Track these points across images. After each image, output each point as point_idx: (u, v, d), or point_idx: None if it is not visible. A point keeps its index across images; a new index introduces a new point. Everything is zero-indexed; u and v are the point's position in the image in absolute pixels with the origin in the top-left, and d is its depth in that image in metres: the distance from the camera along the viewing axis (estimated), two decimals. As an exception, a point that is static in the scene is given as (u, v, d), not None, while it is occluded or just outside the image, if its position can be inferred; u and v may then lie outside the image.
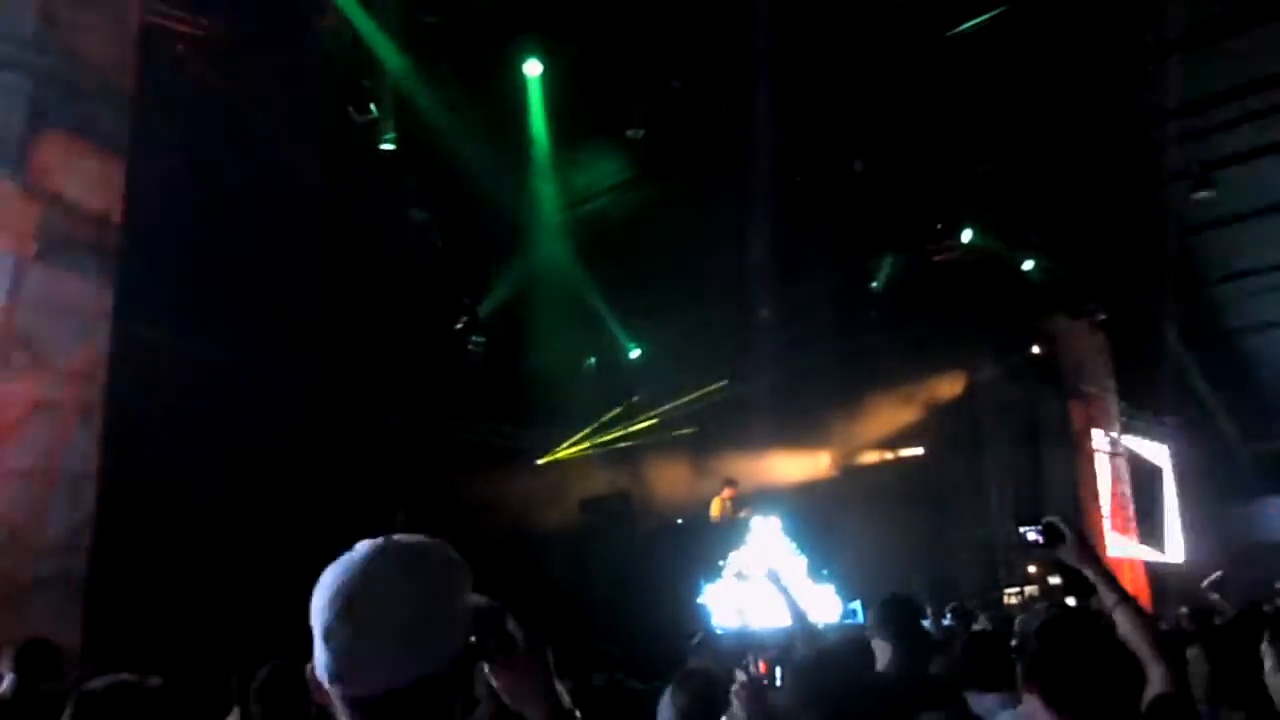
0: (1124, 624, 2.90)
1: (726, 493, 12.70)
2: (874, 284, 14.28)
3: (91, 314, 7.09)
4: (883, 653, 4.01)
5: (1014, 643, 3.31)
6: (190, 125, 8.35)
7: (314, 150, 9.41)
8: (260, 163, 8.78)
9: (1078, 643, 2.53)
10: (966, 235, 13.10)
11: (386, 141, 9.73)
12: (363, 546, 1.44)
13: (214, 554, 8.24)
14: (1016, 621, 5.57)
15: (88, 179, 7.22)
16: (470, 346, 12.57)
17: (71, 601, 6.64)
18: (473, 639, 1.43)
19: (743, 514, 12.28)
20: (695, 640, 7.34)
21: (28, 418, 6.67)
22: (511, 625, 1.52)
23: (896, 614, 4.10)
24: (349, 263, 10.10)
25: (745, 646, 8.50)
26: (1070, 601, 11.59)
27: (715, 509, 12.63)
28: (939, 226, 12.98)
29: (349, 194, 10.18)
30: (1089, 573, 3.12)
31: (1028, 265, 13.91)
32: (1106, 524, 15.18)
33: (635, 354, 14.40)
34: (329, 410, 10.14)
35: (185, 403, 8.50)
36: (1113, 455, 15.22)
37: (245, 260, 8.73)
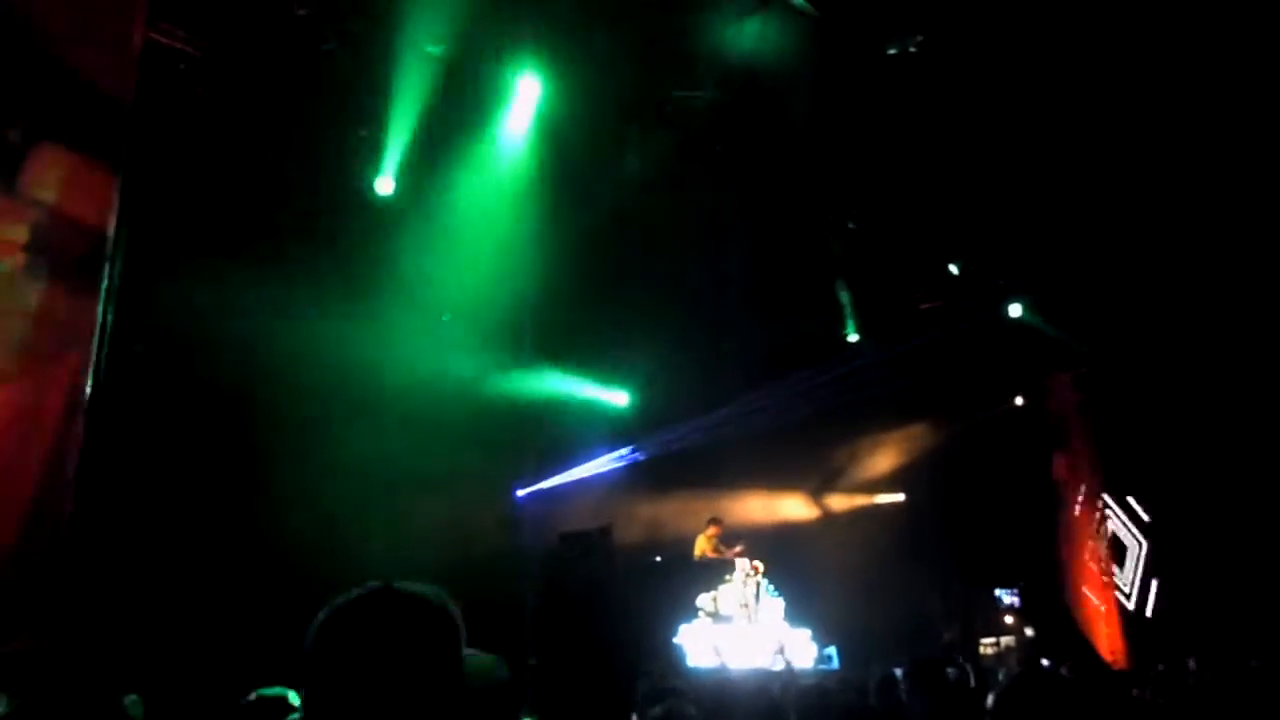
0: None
1: (711, 531, 12.68)
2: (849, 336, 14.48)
3: (80, 326, 7.06)
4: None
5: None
6: (188, 143, 8.39)
7: (313, 170, 9.47)
8: (257, 182, 8.83)
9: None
10: (1015, 310, 13.34)
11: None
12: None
13: (188, 571, 8.21)
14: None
15: (82, 192, 7.21)
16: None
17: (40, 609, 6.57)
18: None
19: (734, 552, 12.27)
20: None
21: (9, 428, 6.62)
22: None
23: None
24: (341, 278, 10.14)
25: (723, 689, 8.49)
26: (1045, 662, 11.57)
27: (699, 547, 12.61)
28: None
29: (346, 211, 10.24)
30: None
31: (1015, 310, 13.97)
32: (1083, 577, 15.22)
33: (624, 400, 14.49)
34: (312, 427, 10.12)
35: (171, 415, 8.49)
36: (1094, 510, 15.24)
37: (239, 277, 8.76)
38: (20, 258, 6.90)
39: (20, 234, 6.92)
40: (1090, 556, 14.97)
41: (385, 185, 10.49)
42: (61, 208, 7.13)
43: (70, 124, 7.21)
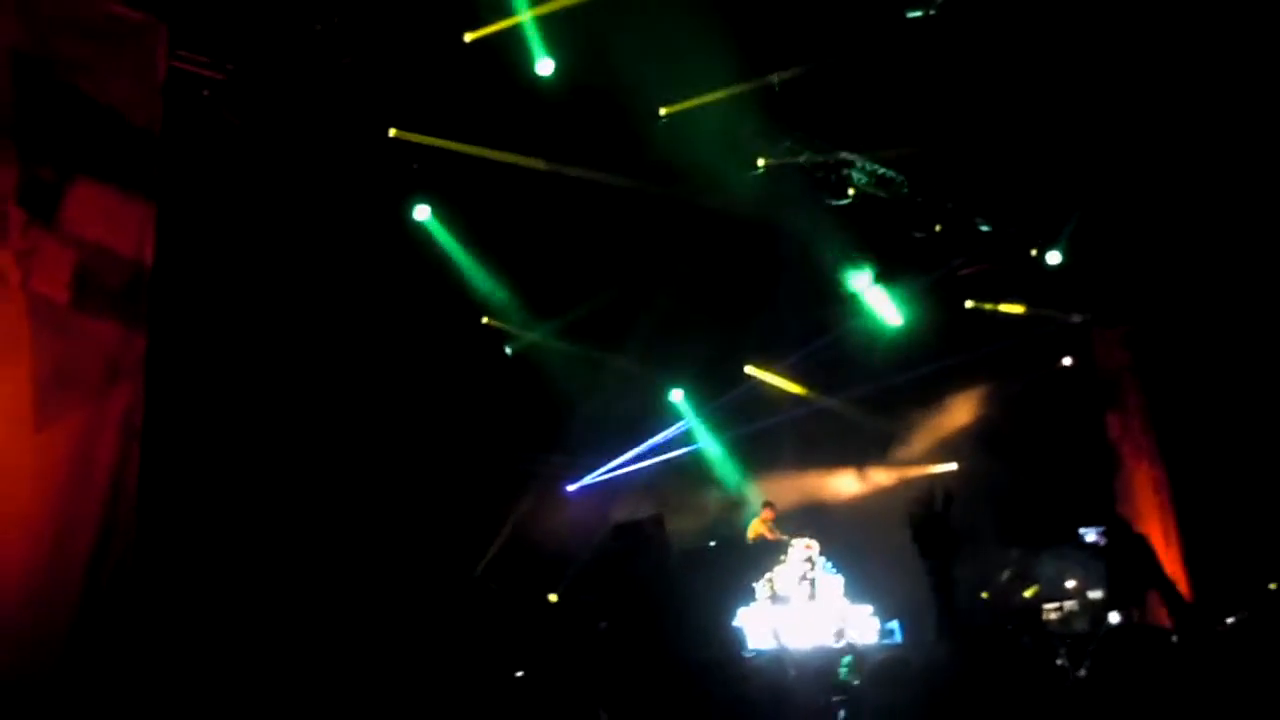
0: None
1: (765, 514, 12.70)
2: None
3: (128, 357, 7.18)
4: None
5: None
6: (218, 167, 8.50)
7: (343, 190, 9.55)
8: (288, 201, 8.92)
9: None
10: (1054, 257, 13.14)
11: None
12: None
13: (260, 595, 8.35)
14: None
15: (120, 224, 7.31)
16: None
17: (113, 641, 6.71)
18: None
19: (782, 536, 12.27)
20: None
21: (68, 464, 6.75)
22: None
23: None
24: (379, 297, 10.24)
25: (784, 670, 8.45)
26: (1114, 617, 11.42)
27: (753, 530, 12.63)
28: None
29: (378, 227, 10.33)
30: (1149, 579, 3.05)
31: (1054, 258, 13.69)
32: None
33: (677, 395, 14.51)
34: (365, 444, 10.27)
35: (222, 442, 8.62)
36: (1151, 469, 14.97)
37: (279, 298, 8.87)
38: (65, 293, 7.02)
39: (64, 270, 7.03)
40: (1150, 520, 14.72)
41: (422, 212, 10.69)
42: (101, 241, 7.23)
43: (102, 158, 7.29)
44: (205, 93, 8.46)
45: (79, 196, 7.14)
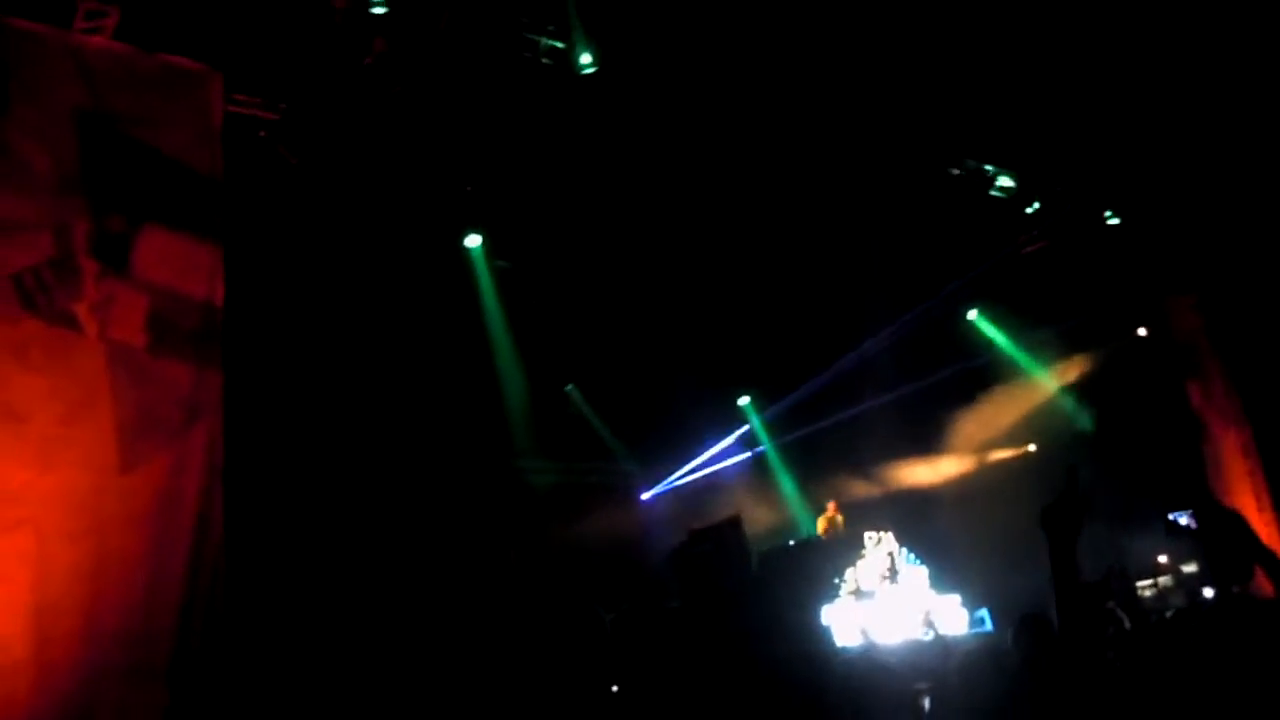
0: None
1: (830, 509, 12.59)
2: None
3: (206, 398, 7.36)
4: None
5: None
6: (279, 206, 8.68)
7: (403, 217, 9.70)
8: (351, 232, 9.07)
9: None
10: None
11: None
12: None
13: (344, 619, 8.48)
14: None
15: (190, 268, 7.52)
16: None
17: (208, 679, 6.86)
18: None
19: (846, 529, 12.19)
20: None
21: (155, 507, 6.93)
22: None
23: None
24: (447, 320, 10.38)
25: (875, 664, 8.37)
26: (1208, 592, 11.11)
27: (821, 526, 12.52)
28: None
29: (440, 251, 10.47)
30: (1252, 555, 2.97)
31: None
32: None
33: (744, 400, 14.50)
34: (445, 461, 10.42)
35: (302, 470, 8.78)
36: (1239, 436, 14.55)
37: (350, 326, 9.03)
38: (142, 339, 7.22)
39: (139, 316, 7.24)
40: (1241, 486, 14.31)
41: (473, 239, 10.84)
42: (172, 286, 7.43)
43: (168, 205, 7.51)
44: (261, 133, 8.63)
45: (148, 244, 7.35)
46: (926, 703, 4.71)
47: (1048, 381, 15.05)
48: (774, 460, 14.75)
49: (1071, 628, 3.01)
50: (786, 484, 14.57)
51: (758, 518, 13.30)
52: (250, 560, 7.66)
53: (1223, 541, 3.10)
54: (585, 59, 8.83)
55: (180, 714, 6.59)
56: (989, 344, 14.52)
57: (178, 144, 7.66)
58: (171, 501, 6.99)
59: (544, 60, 8.94)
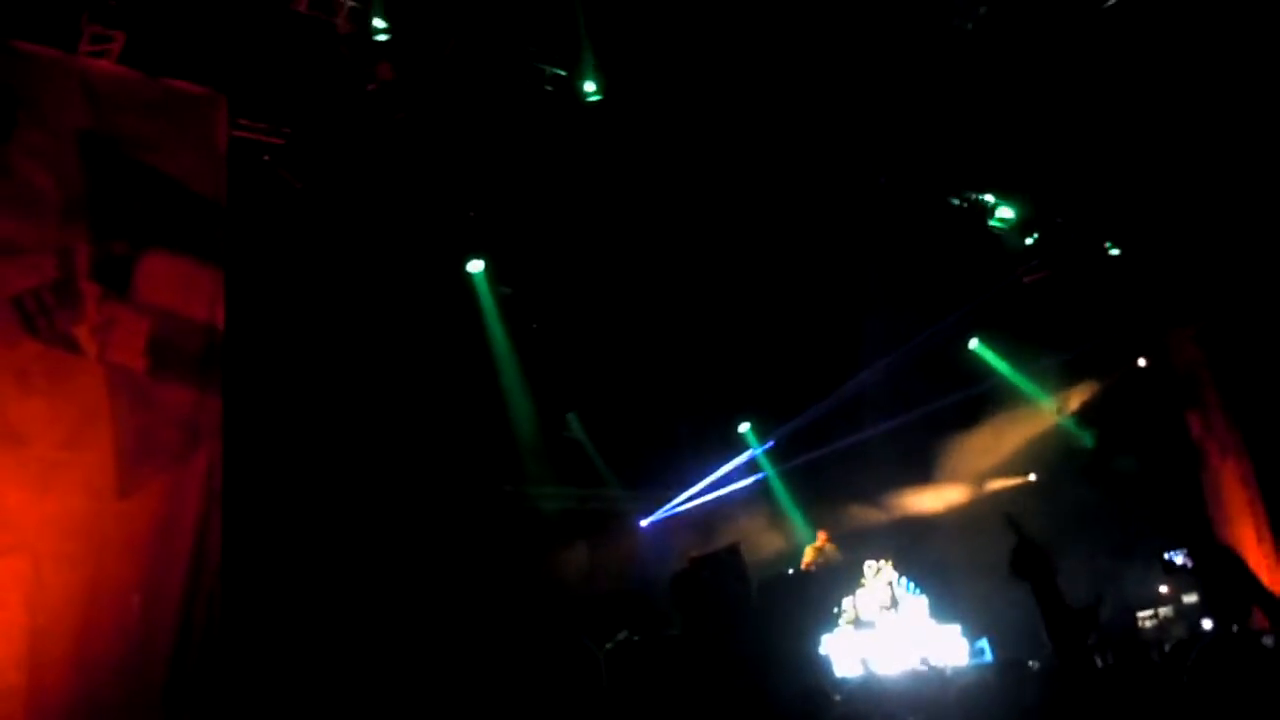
0: None
1: (820, 538, 12.50)
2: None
3: (206, 421, 7.33)
4: None
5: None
6: (282, 231, 8.69)
7: (406, 243, 9.71)
8: (354, 259, 9.09)
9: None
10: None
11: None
12: None
13: (341, 644, 8.43)
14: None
15: (191, 292, 7.50)
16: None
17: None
18: None
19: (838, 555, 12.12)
20: None
21: (154, 529, 6.88)
22: None
23: None
24: (447, 346, 10.37)
25: (874, 697, 8.32)
26: (1208, 623, 11.06)
27: (808, 557, 12.42)
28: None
29: (438, 276, 10.47)
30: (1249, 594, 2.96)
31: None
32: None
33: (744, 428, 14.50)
34: (444, 483, 10.40)
35: (303, 495, 8.75)
36: (1238, 467, 14.53)
37: (352, 351, 9.03)
38: (142, 362, 7.20)
39: (139, 339, 7.22)
40: (1241, 517, 14.28)
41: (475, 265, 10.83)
42: (174, 309, 7.42)
43: (171, 228, 7.50)
44: (265, 158, 8.66)
45: (150, 267, 7.34)
46: None
47: (1048, 411, 15.04)
48: (776, 487, 14.70)
49: (1067, 658, 3.03)
50: (789, 511, 14.51)
51: (759, 545, 13.23)
52: (248, 586, 7.61)
53: (1219, 580, 3.10)
54: (590, 86, 8.87)
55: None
56: (989, 373, 14.52)
57: (182, 168, 7.67)
58: (169, 527, 6.94)
59: (547, 87, 8.98)
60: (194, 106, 7.88)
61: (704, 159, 9.96)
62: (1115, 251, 13.26)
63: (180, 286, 7.46)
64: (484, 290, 11.07)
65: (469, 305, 10.99)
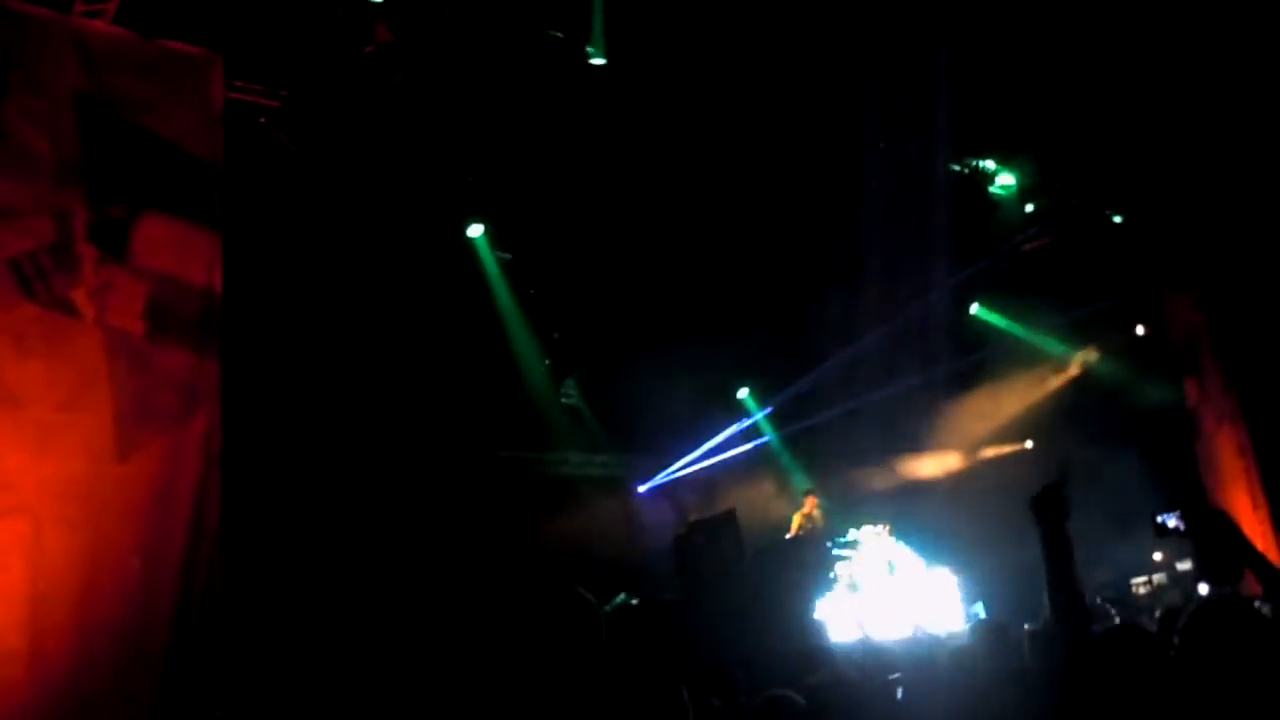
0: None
1: (808, 504, 12.49)
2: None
3: (205, 385, 7.33)
4: None
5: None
6: (279, 193, 8.64)
7: (404, 207, 9.67)
8: (351, 221, 9.05)
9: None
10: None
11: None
12: None
13: (341, 611, 8.48)
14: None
15: (189, 256, 7.48)
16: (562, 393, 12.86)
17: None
18: None
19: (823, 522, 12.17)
20: None
21: (153, 493, 6.91)
22: None
23: None
24: (445, 311, 10.36)
25: (870, 660, 8.40)
26: (1203, 589, 11.09)
27: (796, 523, 12.45)
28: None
29: (437, 240, 10.45)
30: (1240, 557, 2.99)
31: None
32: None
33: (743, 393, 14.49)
34: (442, 447, 10.43)
35: (300, 457, 8.77)
36: (1234, 434, 14.57)
37: (349, 314, 9.01)
38: (140, 325, 7.19)
39: (137, 303, 7.21)
40: (1236, 484, 14.34)
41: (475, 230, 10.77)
42: (171, 272, 7.40)
43: (168, 191, 7.47)
44: (262, 120, 8.59)
45: (148, 230, 7.31)
46: (900, 692, 4.75)
47: (1046, 378, 15.06)
48: (776, 451, 14.74)
49: (1063, 612, 3.05)
50: (789, 475, 14.54)
51: (757, 509, 13.27)
52: (248, 550, 7.65)
53: (1211, 543, 3.12)
54: (594, 50, 8.79)
55: (176, 705, 6.57)
56: (988, 339, 14.52)
57: (178, 130, 7.61)
58: (168, 490, 6.96)
59: (548, 50, 8.90)
60: (190, 68, 7.81)
61: (704, 124, 9.90)
62: (1114, 218, 13.22)
63: (177, 250, 7.44)
64: (485, 254, 11.04)
65: (468, 269, 10.96)
